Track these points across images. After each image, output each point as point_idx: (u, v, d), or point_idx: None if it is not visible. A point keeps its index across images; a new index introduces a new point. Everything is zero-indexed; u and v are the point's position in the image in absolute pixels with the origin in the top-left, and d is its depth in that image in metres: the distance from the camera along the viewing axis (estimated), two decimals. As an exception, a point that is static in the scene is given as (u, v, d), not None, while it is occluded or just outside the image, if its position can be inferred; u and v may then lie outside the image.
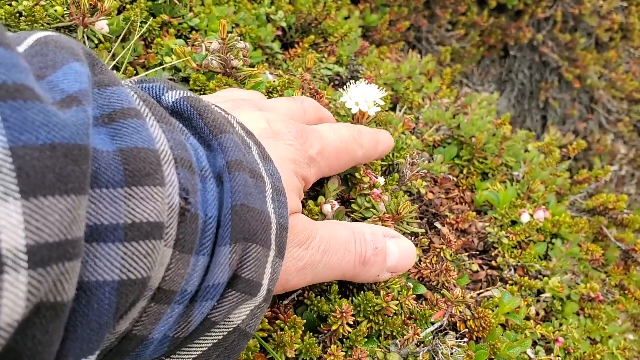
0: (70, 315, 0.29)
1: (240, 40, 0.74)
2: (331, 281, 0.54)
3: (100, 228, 0.30)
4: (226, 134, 0.41)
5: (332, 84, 1.04)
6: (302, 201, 0.64)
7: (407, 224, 0.70)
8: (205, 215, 0.38)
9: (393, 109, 1.07)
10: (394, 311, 0.54)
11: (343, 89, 0.71)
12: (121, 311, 0.31)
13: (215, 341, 0.41)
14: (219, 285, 0.38)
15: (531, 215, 0.82)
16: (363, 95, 0.69)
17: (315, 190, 0.66)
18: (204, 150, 0.41)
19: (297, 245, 0.47)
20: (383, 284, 0.57)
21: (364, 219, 0.64)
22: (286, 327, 0.50)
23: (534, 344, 0.72)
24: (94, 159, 0.30)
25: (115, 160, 0.31)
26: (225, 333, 0.41)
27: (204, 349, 0.41)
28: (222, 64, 0.71)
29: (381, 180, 0.67)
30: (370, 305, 0.54)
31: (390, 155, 0.79)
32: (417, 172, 0.73)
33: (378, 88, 0.71)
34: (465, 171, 0.92)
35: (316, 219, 0.61)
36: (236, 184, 0.39)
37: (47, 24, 0.71)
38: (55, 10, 0.71)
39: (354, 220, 0.65)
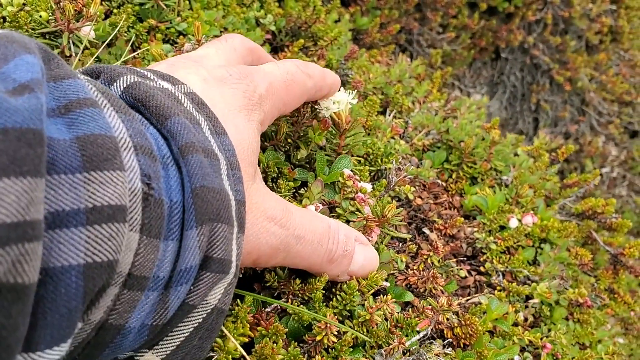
0: (38, 302, 0.29)
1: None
2: (297, 268, 0.54)
3: (61, 214, 0.30)
4: (172, 117, 0.41)
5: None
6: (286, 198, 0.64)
7: (396, 228, 0.70)
8: (170, 201, 0.38)
9: (383, 112, 1.07)
10: (378, 322, 0.54)
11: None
12: (90, 295, 0.31)
13: (196, 325, 0.41)
14: (191, 268, 0.39)
15: (519, 221, 0.82)
16: (331, 101, 0.69)
17: (299, 194, 0.65)
18: (162, 138, 0.41)
19: (270, 220, 0.47)
20: (356, 285, 0.56)
21: (348, 222, 0.63)
22: (267, 338, 0.49)
23: (522, 350, 0.71)
24: (50, 147, 0.31)
25: (72, 147, 0.31)
26: (204, 315, 0.41)
27: (186, 334, 0.41)
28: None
29: (368, 186, 0.67)
30: (354, 317, 0.54)
31: (379, 160, 0.79)
32: (404, 177, 0.73)
33: (346, 91, 0.71)
34: (454, 176, 0.92)
35: None
36: (192, 167, 0.39)
37: (32, 29, 0.70)
38: (40, 16, 0.70)
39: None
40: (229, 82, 0.51)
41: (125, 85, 0.42)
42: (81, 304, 0.31)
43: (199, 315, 0.41)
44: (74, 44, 0.72)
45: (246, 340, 0.50)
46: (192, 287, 0.40)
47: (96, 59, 0.73)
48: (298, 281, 0.55)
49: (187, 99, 0.45)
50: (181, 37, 0.87)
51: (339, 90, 0.70)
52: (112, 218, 0.32)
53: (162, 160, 0.39)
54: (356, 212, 0.63)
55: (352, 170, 0.68)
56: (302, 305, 0.53)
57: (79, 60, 0.70)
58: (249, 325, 0.50)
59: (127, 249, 0.34)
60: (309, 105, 0.71)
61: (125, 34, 0.81)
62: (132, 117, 0.38)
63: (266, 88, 0.53)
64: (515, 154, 1.07)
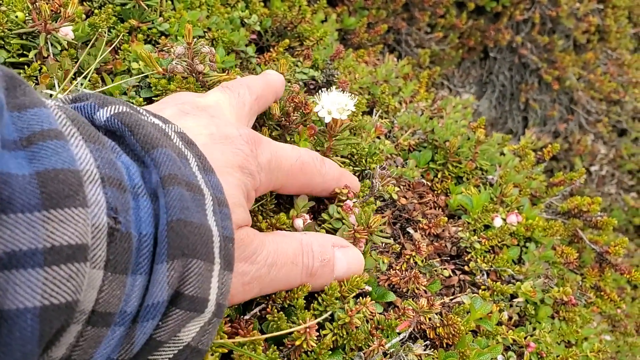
0: None
1: (207, 45, 0.73)
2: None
3: (18, 254, 0.29)
4: (159, 148, 0.40)
5: (307, 88, 1.03)
6: (271, 212, 0.63)
7: (382, 231, 0.70)
8: (139, 233, 0.37)
9: (370, 113, 1.06)
10: (358, 325, 0.53)
11: (316, 96, 0.71)
12: (46, 338, 0.30)
13: None
14: (159, 304, 0.37)
15: (504, 220, 0.82)
16: (334, 104, 0.68)
17: (285, 207, 0.65)
18: (138, 168, 0.40)
19: (242, 260, 0.47)
20: (336, 290, 0.56)
21: (334, 230, 0.63)
22: (245, 346, 0.49)
23: (507, 349, 0.71)
24: (7, 184, 0.30)
25: (31, 183, 0.30)
26: (175, 351, 0.40)
27: None
28: (188, 68, 0.70)
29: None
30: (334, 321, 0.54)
31: (363, 161, 0.79)
32: (388, 180, 0.73)
33: (350, 95, 0.70)
34: (439, 175, 0.92)
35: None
36: (171, 198, 0.38)
37: (9, 29, 0.69)
38: (17, 16, 0.69)
39: (326, 230, 0.64)
40: (234, 141, 0.50)
41: (116, 111, 0.42)
42: (37, 347, 0.30)
43: (169, 351, 0.40)
44: (52, 44, 0.71)
45: (225, 351, 0.49)
46: (160, 323, 0.38)
47: (75, 60, 0.73)
48: (283, 293, 0.54)
49: (177, 136, 0.44)
50: (163, 37, 0.86)
51: (343, 93, 0.70)
52: (71, 258, 0.31)
53: (132, 191, 0.38)
54: (342, 220, 0.63)
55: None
56: (280, 313, 0.53)
57: (57, 61, 0.69)
58: (226, 336, 0.49)
59: (90, 287, 0.33)
60: (299, 110, 0.70)
61: (106, 35, 0.80)
62: (103, 145, 0.37)
63: (268, 160, 0.53)
64: (502, 153, 1.06)
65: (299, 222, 0.61)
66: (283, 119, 0.68)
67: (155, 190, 0.39)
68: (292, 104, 0.68)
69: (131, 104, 0.45)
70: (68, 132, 0.35)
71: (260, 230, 0.59)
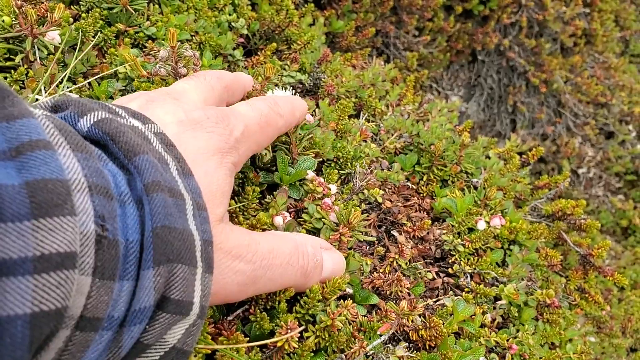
0: None
1: (192, 48, 0.73)
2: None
3: (8, 262, 0.30)
4: (141, 154, 0.41)
5: (295, 92, 1.04)
6: (253, 212, 0.64)
7: (365, 234, 0.70)
8: (126, 240, 0.38)
9: (357, 116, 1.07)
10: (339, 327, 0.54)
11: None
12: (36, 344, 0.31)
13: None
14: (146, 309, 0.38)
15: (487, 223, 0.83)
16: None
17: (266, 203, 0.65)
18: (124, 175, 0.41)
19: (236, 258, 0.47)
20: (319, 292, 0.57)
21: (315, 229, 0.63)
22: (228, 347, 0.49)
23: (490, 351, 0.72)
24: None
25: (20, 193, 0.31)
26: (162, 353, 0.41)
27: None
28: (172, 72, 0.71)
29: (333, 188, 0.67)
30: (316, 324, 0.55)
31: (348, 164, 0.80)
32: (371, 181, 0.73)
33: (293, 93, 0.72)
34: (425, 178, 0.92)
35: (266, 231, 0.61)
36: (155, 205, 0.39)
37: (-4, 34, 0.70)
38: (3, 20, 0.69)
39: (307, 230, 0.64)
40: (205, 125, 0.51)
41: (95, 120, 0.42)
42: (27, 353, 0.30)
43: (156, 353, 0.41)
44: (38, 49, 0.71)
45: (209, 351, 0.50)
46: (147, 327, 0.39)
47: (61, 64, 0.73)
48: (263, 295, 0.55)
49: (156, 139, 0.45)
50: (150, 41, 0.86)
51: (282, 90, 0.71)
52: (60, 265, 0.31)
53: (119, 198, 0.39)
54: (322, 220, 0.63)
55: (315, 172, 0.69)
56: (263, 314, 0.53)
57: (43, 65, 0.70)
58: (210, 337, 0.50)
59: (78, 293, 0.34)
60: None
61: (93, 39, 0.80)
62: (89, 154, 0.38)
63: (242, 132, 0.54)
64: (487, 157, 1.07)
65: (278, 220, 0.61)
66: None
67: (141, 197, 0.40)
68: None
69: (109, 106, 0.46)
70: (56, 142, 0.35)
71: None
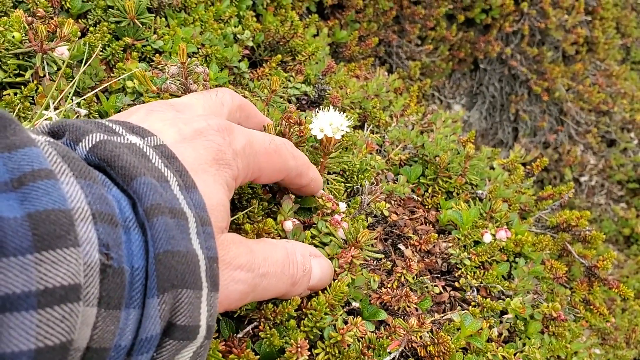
0: None
1: (201, 63, 0.74)
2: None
3: (12, 297, 0.30)
4: (138, 177, 0.40)
5: (299, 103, 1.04)
6: (260, 218, 0.64)
7: (373, 247, 0.71)
8: (131, 267, 0.37)
9: (361, 127, 1.08)
10: (349, 343, 0.54)
11: (314, 113, 0.72)
12: None
13: None
14: (152, 337, 0.38)
15: (493, 236, 0.83)
16: (329, 122, 0.69)
17: (272, 211, 0.66)
18: (128, 200, 0.40)
19: (237, 268, 0.47)
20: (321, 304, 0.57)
21: (323, 244, 0.64)
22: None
23: (497, 365, 0.72)
24: (0, 227, 0.30)
25: (23, 226, 0.31)
26: None
27: None
28: (182, 87, 0.71)
29: (343, 206, 0.67)
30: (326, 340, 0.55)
31: (355, 177, 0.80)
32: (379, 195, 0.74)
33: (347, 116, 0.71)
34: (430, 190, 0.93)
35: (272, 237, 0.61)
36: (156, 231, 0.38)
37: (6, 49, 0.70)
38: (14, 37, 0.70)
39: (315, 245, 0.65)
40: (205, 134, 0.49)
41: (90, 145, 0.42)
42: None
43: None
44: (48, 64, 0.72)
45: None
46: (154, 354, 0.39)
47: (70, 79, 0.73)
48: (270, 306, 0.55)
49: (155, 154, 0.44)
50: (157, 55, 0.87)
51: (336, 112, 0.70)
52: (65, 299, 0.31)
53: (124, 224, 0.39)
54: (329, 236, 0.64)
55: (327, 189, 0.69)
56: (274, 329, 0.53)
57: (52, 81, 0.70)
58: (220, 354, 0.50)
59: (84, 325, 0.33)
60: (294, 127, 0.71)
61: (101, 53, 0.81)
62: (94, 180, 0.37)
63: (243, 146, 0.52)
64: (491, 167, 1.08)
65: (288, 224, 0.62)
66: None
67: (143, 222, 0.39)
68: (287, 123, 0.69)
69: (106, 125, 0.45)
70: (59, 170, 0.35)
71: (246, 233, 0.60)
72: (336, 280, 0.58)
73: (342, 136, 0.71)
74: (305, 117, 0.80)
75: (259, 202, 0.65)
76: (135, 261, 0.38)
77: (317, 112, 0.71)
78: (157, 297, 0.38)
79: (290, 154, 0.59)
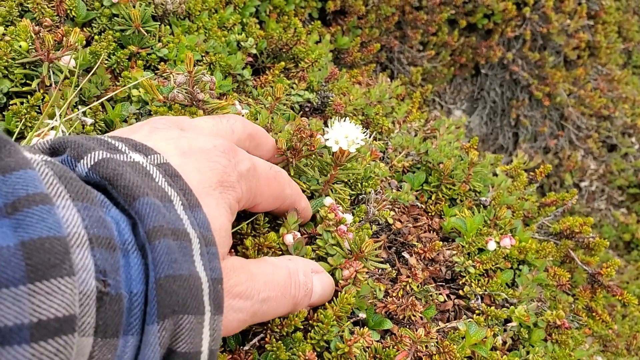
0: None
1: (207, 72, 0.74)
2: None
3: (3, 330, 0.29)
4: (140, 198, 0.39)
5: (302, 110, 1.04)
6: (265, 230, 0.64)
7: (377, 256, 0.71)
8: (130, 292, 0.36)
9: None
10: (356, 354, 0.54)
11: (329, 123, 0.71)
12: None
13: None
14: None
15: (497, 243, 0.83)
16: (344, 134, 0.69)
17: (276, 223, 0.66)
18: (127, 221, 0.39)
19: (236, 297, 0.46)
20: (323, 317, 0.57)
21: (328, 255, 0.64)
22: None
23: (501, 373, 0.72)
24: None
25: (15, 255, 0.30)
26: None
27: None
28: (189, 96, 0.71)
29: (349, 217, 0.67)
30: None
31: (359, 185, 0.80)
32: (384, 204, 0.74)
33: (363, 130, 0.71)
34: (433, 197, 0.93)
35: (274, 251, 0.61)
36: (158, 254, 0.37)
37: (12, 59, 0.70)
38: (20, 46, 0.70)
39: (319, 256, 0.65)
40: (210, 154, 0.48)
41: (92, 163, 0.40)
42: None
43: None
44: (54, 73, 0.72)
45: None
46: None
47: (76, 88, 0.74)
48: (277, 320, 0.55)
49: (159, 172, 0.43)
50: (162, 63, 0.87)
51: (352, 124, 0.70)
52: (59, 331, 0.30)
53: (122, 247, 0.37)
54: (335, 247, 0.64)
55: (334, 199, 0.69)
56: (280, 341, 0.54)
57: (59, 90, 0.71)
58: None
59: (79, 355, 0.33)
60: (305, 141, 0.70)
61: (106, 62, 0.81)
62: (91, 202, 0.36)
63: (248, 168, 0.51)
64: (494, 174, 1.08)
65: (289, 238, 0.62)
66: (288, 152, 0.69)
67: (144, 244, 0.38)
68: (298, 136, 0.68)
69: (109, 142, 0.44)
70: (55, 193, 0.34)
71: (246, 249, 0.60)
72: (343, 292, 0.58)
73: (357, 149, 0.70)
74: (308, 125, 0.81)
75: (265, 213, 0.65)
76: (134, 286, 0.37)
77: (333, 122, 0.70)
78: (157, 323, 0.37)
79: (287, 183, 0.59)
